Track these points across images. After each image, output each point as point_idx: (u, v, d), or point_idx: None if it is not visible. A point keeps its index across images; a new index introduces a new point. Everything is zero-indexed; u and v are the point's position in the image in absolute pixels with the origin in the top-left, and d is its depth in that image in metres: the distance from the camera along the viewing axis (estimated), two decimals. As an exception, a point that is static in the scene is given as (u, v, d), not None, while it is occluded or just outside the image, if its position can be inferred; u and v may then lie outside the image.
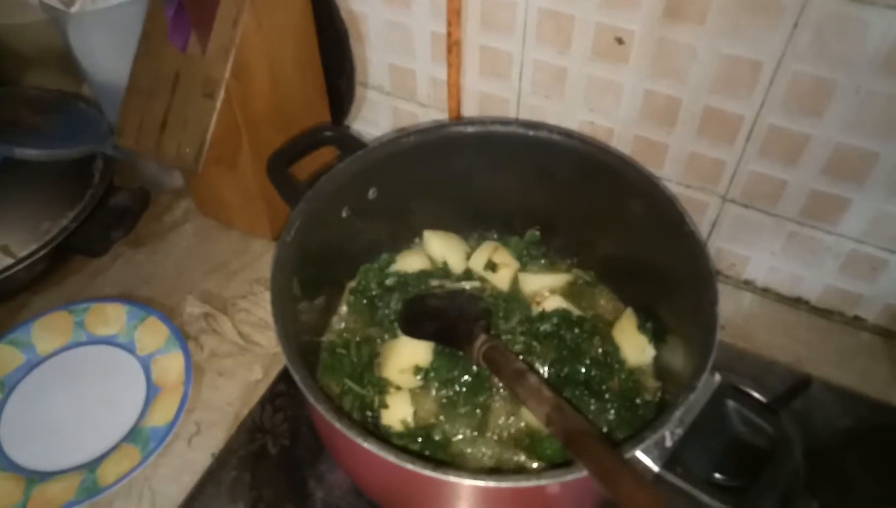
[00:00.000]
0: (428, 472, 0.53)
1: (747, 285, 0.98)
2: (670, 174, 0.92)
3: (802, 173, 0.83)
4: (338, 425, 0.56)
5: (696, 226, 0.71)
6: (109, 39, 0.92)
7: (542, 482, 0.54)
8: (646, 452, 0.57)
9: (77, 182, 0.98)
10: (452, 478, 0.53)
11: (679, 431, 0.59)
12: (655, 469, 0.57)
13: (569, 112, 0.92)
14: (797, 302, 0.97)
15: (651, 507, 0.48)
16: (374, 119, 1.11)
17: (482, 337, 0.70)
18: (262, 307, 0.95)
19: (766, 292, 0.98)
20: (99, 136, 1.00)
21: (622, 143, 0.92)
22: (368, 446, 0.54)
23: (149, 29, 0.87)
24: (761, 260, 0.95)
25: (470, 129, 0.80)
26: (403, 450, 0.56)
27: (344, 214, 0.79)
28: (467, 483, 0.53)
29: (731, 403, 0.61)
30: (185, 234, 1.07)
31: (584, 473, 0.54)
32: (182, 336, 0.90)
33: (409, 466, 0.53)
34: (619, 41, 0.83)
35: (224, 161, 0.91)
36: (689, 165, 0.90)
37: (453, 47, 0.91)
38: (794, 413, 0.84)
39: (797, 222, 0.88)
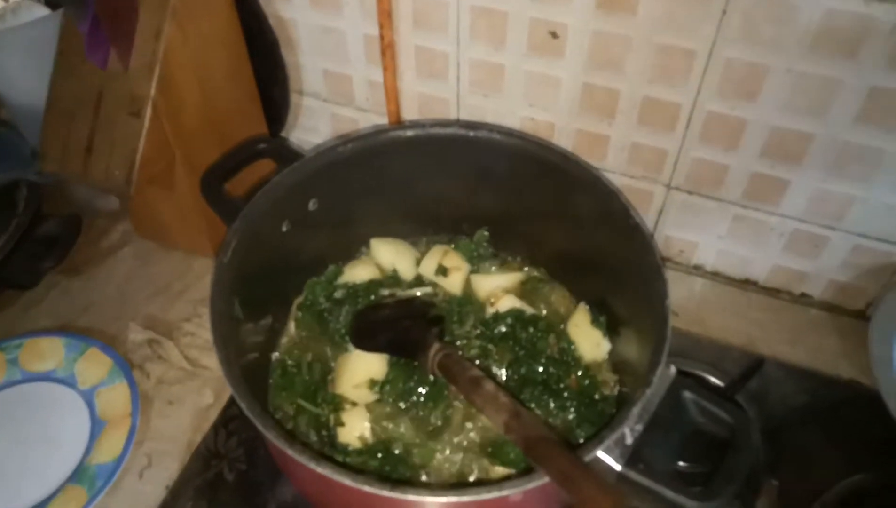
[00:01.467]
0: (386, 493, 0.52)
1: (697, 269, 0.99)
2: (614, 165, 0.91)
3: (742, 157, 0.84)
4: (290, 451, 0.54)
5: (641, 218, 0.71)
6: (24, 59, 0.87)
7: (505, 492, 0.53)
8: (607, 451, 0.57)
9: (0, 212, 0.93)
10: (412, 497, 0.51)
11: (639, 427, 0.59)
12: (618, 467, 0.57)
13: (509, 109, 0.91)
14: (746, 283, 0.98)
15: (612, 509, 0.48)
16: (313, 127, 1.08)
17: (436, 345, 0.69)
18: (207, 329, 0.89)
19: (715, 275, 0.99)
20: (21, 161, 0.95)
21: (564, 137, 0.91)
22: (322, 471, 0.52)
23: (64, 46, 0.83)
24: (709, 245, 0.96)
25: (409, 132, 0.78)
26: (360, 470, 0.55)
27: (284, 228, 0.77)
28: (429, 501, 0.52)
29: (687, 394, 0.61)
30: (124, 258, 1.03)
31: (546, 479, 0.53)
32: (126, 365, 0.86)
33: (367, 488, 0.52)
34: (554, 35, 0.82)
35: (158, 180, 0.88)
36: (631, 155, 0.90)
37: (387, 50, 0.89)
38: (751, 394, 0.85)
39: (741, 205, 0.89)
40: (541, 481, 0.53)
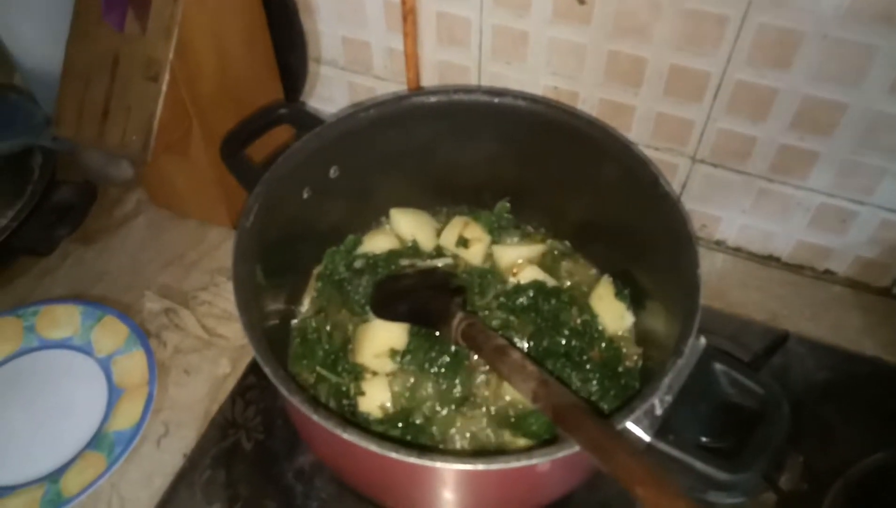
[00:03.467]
0: (413, 459, 0.51)
1: (719, 245, 0.98)
2: (638, 137, 0.90)
3: (771, 129, 0.82)
4: (315, 417, 0.53)
5: (671, 187, 0.69)
6: (39, 23, 0.85)
7: (534, 461, 0.52)
8: (636, 422, 0.56)
9: (15, 179, 0.92)
10: (439, 464, 0.50)
11: (668, 398, 0.58)
12: (647, 438, 0.56)
13: (531, 78, 0.90)
14: (769, 259, 0.97)
15: (648, 477, 0.47)
16: (329, 96, 1.07)
17: (459, 315, 0.68)
18: (224, 299, 0.90)
19: (737, 251, 0.98)
20: (35, 128, 0.94)
21: (588, 106, 0.89)
22: (348, 436, 0.52)
23: (81, 8, 0.81)
24: (732, 219, 0.94)
25: (432, 99, 0.77)
26: (384, 437, 0.54)
27: (305, 195, 0.75)
28: (455, 468, 0.51)
29: (718, 366, 0.60)
30: (138, 227, 1.02)
31: (575, 448, 0.52)
32: (143, 334, 0.85)
33: (393, 455, 0.51)
34: (581, 1, 0.80)
35: (174, 148, 0.86)
36: (657, 126, 0.88)
37: (408, 15, 0.87)
38: (773, 370, 0.83)
39: (767, 178, 0.87)
40: (570, 450, 0.52)
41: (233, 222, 1.00)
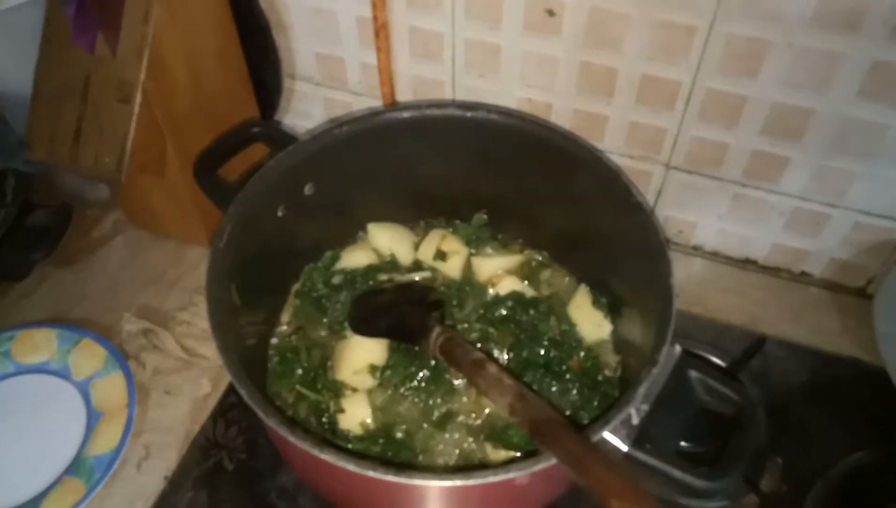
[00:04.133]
0: (391, 478, 0.51)
1: (696, 250, 0.99)
2: (612, 146, 0.90)
3: (742, 135, 0.83)
4: (291, 438, 0.53)
5: (643, 197, 0.70)
6: (9, 45, 0.85)
7: (511, 475, 0.52)
8: (613, 432, 0.56)
9: (-13, 203, 0.91)
10: (417, 481, 0.50)
11: (644, 407, 0.58)
12: (624, 448, 0.56)
13: (506, 90, 0.90)
14: (746, 263, 0.98)
15: (623, 490, 0.47)
16: (305, 111, 1.07)
17: (437, 329, 0.68)
18: (203, 318, 0.88)
19: (715, 255, 0.98)
20: (7, 150, 0.93)
21: (561, 117, 0.90)
22: (326, 457, 0.51)
23: (49, 32, 0.81)
24: (708, 224, 0.95)
25: (405, 114, 0.77)
26: (363, 455, 0.54)
27: (280, 213, 0.75)
28: (434, 485, 0.51)
29: (693, 373, 0.60)
30: (116, 247, 1.01)
31: (553, 461, 0.52)
32: (121, 356, 0.85)
33: (371, 473, 0.51)
34: (550, 13, 0.80)
35: (149, 168, 0.86)
36: (630, 134, 0.89)
37: (381, 31, 0.87)
38: (753, 373, 0.84)
39: (740, 183, 0.88)
40: (547, 463, 0.52)
41: (211, 241, 0.99)
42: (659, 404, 0.59)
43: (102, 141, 0.81)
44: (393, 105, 0.96)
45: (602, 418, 0.55)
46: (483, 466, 0.67)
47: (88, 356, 0.85)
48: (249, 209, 0.69)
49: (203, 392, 0.85)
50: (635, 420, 0.57)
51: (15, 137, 0.95)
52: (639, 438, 0.57)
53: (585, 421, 0.70)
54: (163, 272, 0.98)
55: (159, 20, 0.78)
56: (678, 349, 0.61)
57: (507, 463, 0.52)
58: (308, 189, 0.77)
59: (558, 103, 0.89)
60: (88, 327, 0.88)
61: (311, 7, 0.92)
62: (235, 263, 0.67)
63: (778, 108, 0.78)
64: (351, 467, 0.51)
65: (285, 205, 0.75)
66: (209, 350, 0.88)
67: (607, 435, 0.55)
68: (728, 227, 0.94)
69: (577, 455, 0.50)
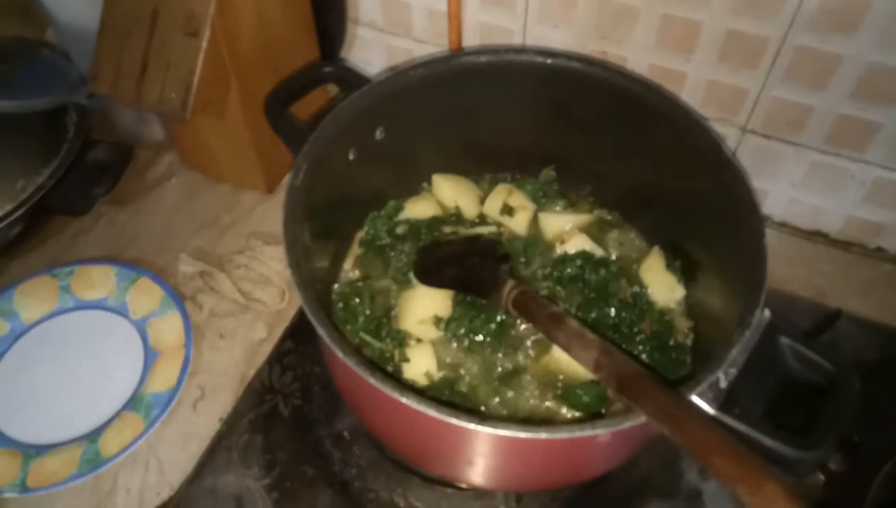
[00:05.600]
0: (475, 426, 0.49)
1: (764, 220, 0.95)
2: (680, 98, 0.86)
3: (830, 98, 0.79)
4: (371, 379, 0.51)
5: (733, 154, 0.67)
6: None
7: (598, 431, 0.50)
8: (700, 395, 0.53)
9: (50, 136, 0.90)
10: (504, 432, 0.49)
11: (733, 371, 0.55)
12: (711, 411, 0.54)
13: (578, 41, 0.87)
14: (815, 235, 0.94)
15: (723, 447, 0.45)
16: (365, 58, 1.04)
17: (510, 283, 0.66)
18: (261, 262, 0.89)
19: (782, 226, 0.95)
20: (70, 85, 0.92)
21: (637, 71, 0.86)
22: (410, 402, 0.50)
23: (121, -39, 0.79)
24: (780, 193, 0.92)
25: (483, 58, 0.74)
26: (444, 403, 0.52)
27: (351, 156, 0.73)
28: (520, 436, 0.49)
29: (783, 339, 0.57)
30: (171, 189, 1.00)
31: (641, 420, 0.50)
32: (178, 296, 0.84)
33: (454, 421, 0.49)
34: (638, -39, 0.77)
35: (211, 107, 0.84)
36: (707, 94, 0.85)
37: (455, -26, 0.84)
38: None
39: (821, 150, 0.84)
40: (636, 421, 0.50)
41: (268, 186, 0.98)
42: (746, 369, 0.56)
43: (168, 76, 0.79)
44: (467, 50, 0.93)
45: (694, 379, 0.52)
46: (571, 421, 0.65)
47: (145, 295, 0.84)
48: (323, 150, 0.67)
49: (258, 337, 0.84)
50: (723, 384, 0.55)
51: (77, 71, 0.93)
52: (726, 403, 0.54)
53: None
54: (217, 216, 0.96)
55: (231, -48, 0.76)
56: (767, 313, 0.58)
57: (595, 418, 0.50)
58: (379, 133, 0.75)
59: (633, 57, 0.85)
60: (143, 266, 0.88)
61: (380, -55, 0.89)
62: (308, 203, 0.65)
63: (875, 68, 0.74)
64: (433, 413, 0.49)
65: (356, 148, 0.73)
66: (266, 295, 0.87)
67: (695, 398, 0.53)
68: (801, 197, 0.91)
69: (671, 412, 0.48)
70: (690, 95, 0.86)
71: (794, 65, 0.78)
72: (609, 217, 0.84)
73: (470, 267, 0.72)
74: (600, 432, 0.50)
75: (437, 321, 0.73)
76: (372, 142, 0.75)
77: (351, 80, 0.75)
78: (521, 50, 0.75)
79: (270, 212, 0.97)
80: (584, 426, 0.50)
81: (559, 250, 0.79)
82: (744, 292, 0.59)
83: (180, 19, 0.78)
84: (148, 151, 1.04)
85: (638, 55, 0.85)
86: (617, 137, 0.78)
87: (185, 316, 0.82)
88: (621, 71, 0.74)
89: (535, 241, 0.80)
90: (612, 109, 0.75)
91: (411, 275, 0.77)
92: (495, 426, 0.49)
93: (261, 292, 0.87)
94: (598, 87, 0.74)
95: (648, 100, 0.72)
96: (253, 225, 0.95)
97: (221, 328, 0.85)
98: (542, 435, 0.49)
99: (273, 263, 0.89)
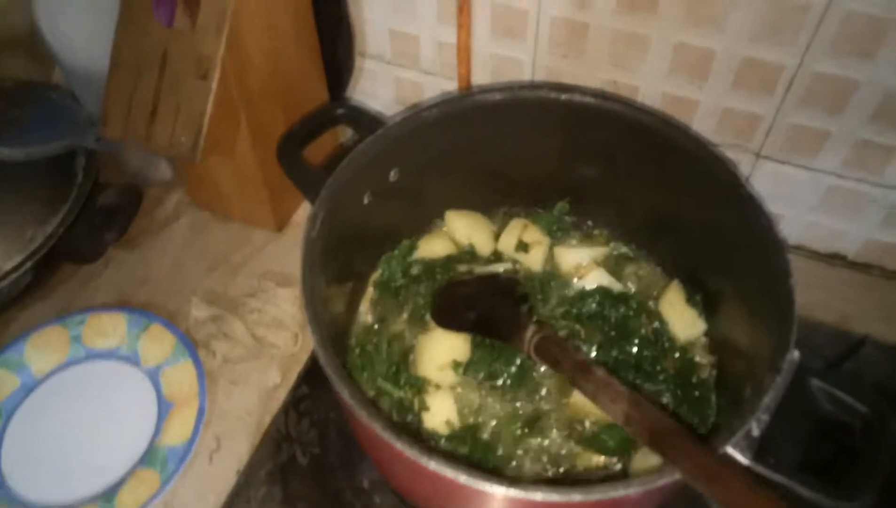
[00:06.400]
0: (517, 492, 0.47)
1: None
2: (699, 133, 0.85)
3: (848, 122, 0.77)
4: (398, 445, 0.50)
5: (754, 189, 0.65)
6: (83, 18, 0.82)
7: (631, 490, 0.48)
8: (735, 446, 0.52)
9: (59, 181, 0.88)
10: (537, 496, 0.47)
11: (765, 418, 0.54)
12: (745, 461, 0.52)
13: (589, 71, 0.85)
14: (834, 258, 0.92)
15: (767, 509, 0.43)
16: (372, 91, 1.03)
17: (531, 327, 0.64)
18: (274, 305, 0.87)
19: (798, 249, 0.93)
20: (78, 128, 0.90)
21: (647, 101, 0.85)
22: (438, 467, 0.48)
23: (129, 3, 0.77)
24: (796, 217, 0.90)
25: (497, 96, 0.73)
26: (458, 458, 0.51)
27: (366, 200, 0.72)
28: (554, 500, 0.47)
29: (815, 381, 0.56)
30: (180, 229, 0.99)
31: (677, 476, 0.48)
32: (190, 343, 0.82)
33: (486, 486, 0.47)
34: (647, -10, 0.75)
35: (221, 146, 0.83)
36: (721, 121, 0.84)
37: (464, 5, 0.83)
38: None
39: (838, 175, 0.83)
40: (671, 477, 0.49)
41: (277, 224, 0.97)
42: (777, 413, 0.55)
43: (179, 118, 0.78)
44: (468, 86, 0.92)
45: (727, 430, 0.51)
46: (607, 479, 0.63)
47: (157, 343, 0.83)
48: (338, 196, 0.65)
49: (272, 382, 0.82)
50: (755, 432, 0.53)
51: (85, 114, 0.92)
52: (760, 451, 0.53)
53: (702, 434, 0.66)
54: (227, 255, 0.95)
55: (238, -7, 0.75)
56: (797, 354, 0.57)
57: (603, 470, 0.48)
58: (393, 175, 0.74)
59: (645, 86, 0.84)
60: (154, 311, 0.86)
61: (387, -22, 0.88)
62: (324, 252, 0.63)
63: (893, 93, 0.73)
64: (462, 478, 0.48)
65: (371, 191, 0.72)
66: (279, 339, 0.85)
67: (729, 449, 0.51)
68: (818, 220, 0.89)
69: (710, 471, 0.46)
70: (703, 122, 0.85)
71: (811, 90, 0.77)
72: (625, 250, 0.83)
73: (489, 309, 0.71)
74: (633, 491, 0.48)
75: (456, 365, 0.71)
76: (386, 184, 0.74)
77: (363, 120, 0.74)
78: (535, 86, 0.74)
79: (281, 251, 0.95)
80: (617, 485, 0.48)
81: (577, 284, 0.78)
82: (771, 332, 0.58)
83: (190, 60, 0.77)
84: (155, 190, 1.03)
85: (650, 84, 0.84)
86: (633, 169, 0.77)
87: (199, 364, 0.80)
88: (637, 106, 0.73)
89: (551, 277, 0.78)
90: (627, 142, 0.74)
91: (428, 317, 0.75)
92: (526, 490, 0.47)
93: (274, 336, 0.85)
94: (612, 120, 0.73)
95: (664, 133, 0.71)
96: (264, 264, 0.94)
97: (235, 375, 0.83)
98: (576, 498, 0.48)
99: (286, 305, 0.87)
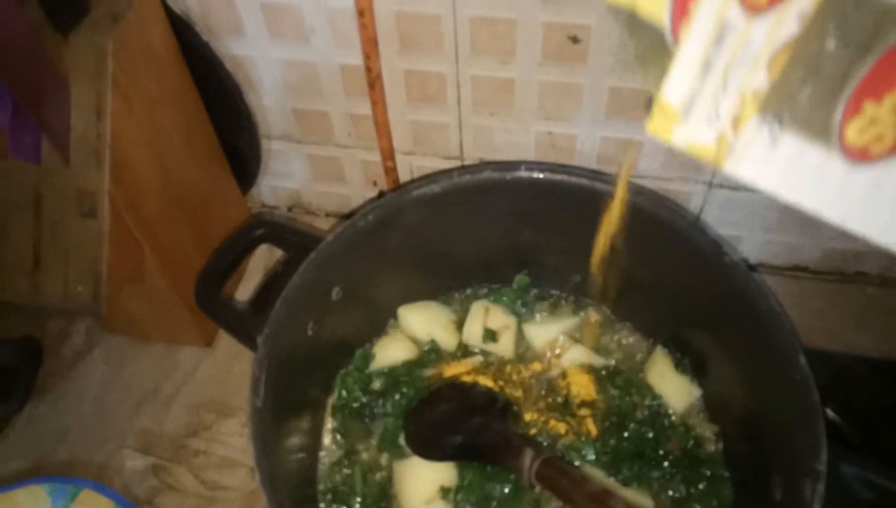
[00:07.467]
0: None
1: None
2: (647, 171, 0.81)
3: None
4: None
5: (738, 254, 0.60)
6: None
7: None
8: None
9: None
10: None
11: (806, 521, 0.49)
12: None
13: (521, 126, 0.79)
14: (795, 270, 0.90)
15: None
16: (286, 172, 0.93)
17: (528, 452, 0.57)
18: (220, 443, 0.77)
19: (759, 266, 0.90)
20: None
21: (588, 148, 0.80)
22: None
23: (-18, 149, 0.66)
24: (754, 237, 0.87)
25: (435, 188, 0.65)
26: None
27: (310, 332, 0.63)
28: None
29: (848, 468, 0.51)
30: (95, 364, 0.87)
31: None
32: (132, 505, 0.71)
33: None
34: (574, 40, 0.70)
35: (127, 279, 0.72)
36: (667, 157, 0.79)
37: (375, 82, 0.75)
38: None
39: (791, 194, 0.79)
40: None
41: (206, 339, 0.86)
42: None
43: (70, 266, 0.67)
44: (392, 157, 0.84)
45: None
46: None
47: (92, 514, 0.71)
48: (279, 341, 0.56)
49: (234, 529, 0.72)
50: (798, 540, 0.48)
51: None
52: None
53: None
54: (156, 387, 0.84)
55: (116, 111, 0.64)
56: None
57: None
58: (336, 294, 0.65)
59: (583, 134, 0.79)
60: (79, 470, 0.75)
61: (283, 60, 0.79)
62: (273, 408, 0.54)
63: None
64: None
65: (314, 320, 0.63)
66: (233, 480, 0.75)
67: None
68: (776, 237, 0.86)
69: None
70: (649, 161, 0.80)
71: (757, 119, 0.72)
72: (597, 316, 0.76)
73: (475, 433, 0.63)
74: None
75: (445, 492, 0.64)
76: (329, 305, 0.65)
77: (286, 236, 0.65)
78: (476, 169, 0.66)
79: (216, 370, 0.85)
80: None
81: (555, 368, 0.71)
82: (801, 429, 0.52)
83: (70, 198, 0.66)
84: (58, 321, 0.90)
85: (587, 131, 0.78)
86: (594, 236, 0.70)
87: (146, 531, 0.70)
88: (587, 174, 0.67)
89: (528, 362, 0.71)
90: (584, 211, 0.67)
91: (402, 440, 0.67)
92: None
93: (228, 479, 0.75)
94: (565, 192, 0.67)
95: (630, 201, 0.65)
96: (200, 392, 0.83)
97: (190, 531, 0.73)
98: None
99: (234, 439, 0.77)
